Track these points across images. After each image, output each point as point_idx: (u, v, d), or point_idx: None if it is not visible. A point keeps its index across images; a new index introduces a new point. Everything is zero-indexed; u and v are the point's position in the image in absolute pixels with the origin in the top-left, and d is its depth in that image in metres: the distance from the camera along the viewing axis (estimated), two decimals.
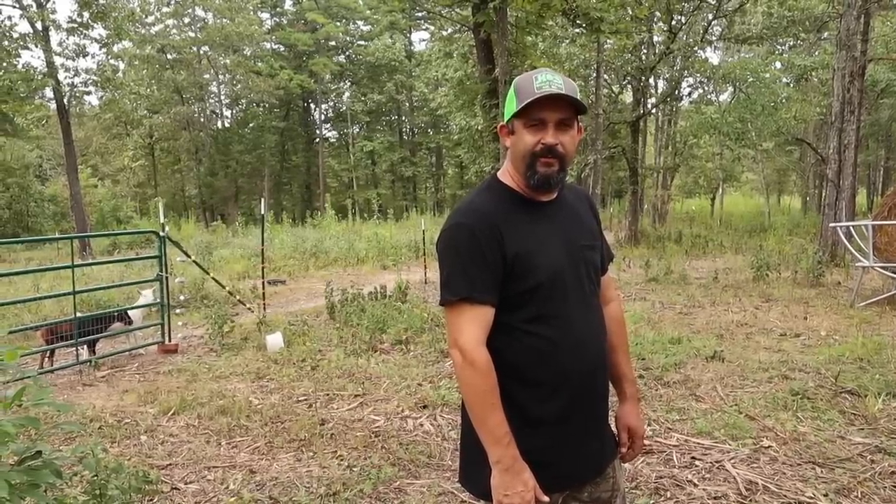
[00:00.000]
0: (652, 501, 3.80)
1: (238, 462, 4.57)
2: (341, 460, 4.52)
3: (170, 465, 4.57)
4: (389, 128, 50.30)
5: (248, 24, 40.18)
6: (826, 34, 26.67)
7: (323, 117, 49.84)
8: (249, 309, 9.74)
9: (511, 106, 1.92)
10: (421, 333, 8.06)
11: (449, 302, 1.84)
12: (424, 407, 5.56)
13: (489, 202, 1.93)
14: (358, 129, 49.12)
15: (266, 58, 43.28)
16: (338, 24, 45.10)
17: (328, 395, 5.99)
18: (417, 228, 16.95)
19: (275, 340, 7.91)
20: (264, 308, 9.74)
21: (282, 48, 45.65)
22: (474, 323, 1.82)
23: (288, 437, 4.96)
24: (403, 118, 50.64)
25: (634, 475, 4.14)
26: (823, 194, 18.41)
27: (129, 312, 8.22)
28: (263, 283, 10.39)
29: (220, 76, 43.64)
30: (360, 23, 47.67)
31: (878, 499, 3.80)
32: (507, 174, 1.99)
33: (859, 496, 3.83)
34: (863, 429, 4.86)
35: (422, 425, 5.17)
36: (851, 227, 11.50)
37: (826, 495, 3.83)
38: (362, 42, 46.72)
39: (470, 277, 1.82)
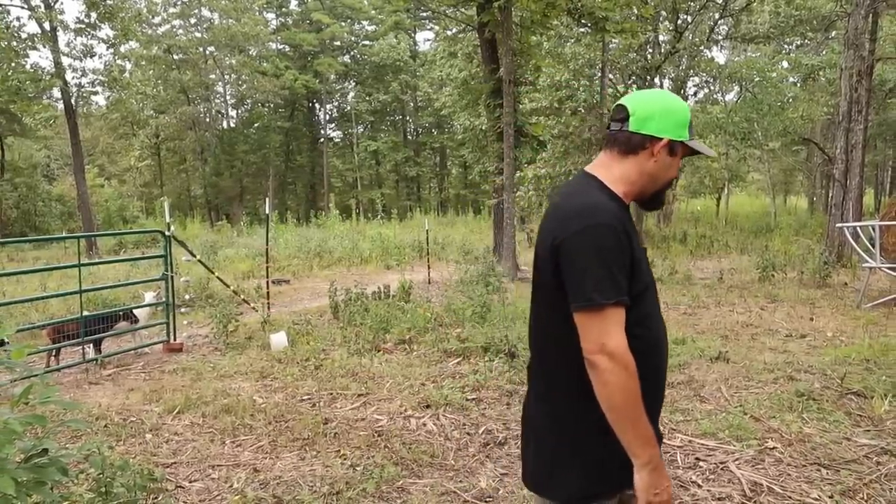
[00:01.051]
0: None
1: (242, 461, 4.59)
2: (344, 459, 4.53)
3: (174, 463, 4.59)
4: (394, 128, 50.31)
5: (253, 24, 40.24)
6: (833, 33, 26.54)
7: (327, 117, 49.94)
8: (254, 308, 9.76)
9: (682, 131, 1.96)
10: (424, 333, 8.06)
11: (600, 305, 1.78)
12: (427, 407, 5.56)
13: (614, 205, 1.93)
14: (362, 129, 49.14)
15: (271, 58, 43.32)
16: (342, 24, 45.13)
17: (331, 394, 6.00)
18: (421, 228, 16.96)
19: (279, 340, 7.92)
20: (268, 307, 9.76)
21: (287, 48, 45.69)
22: (619, 326, 1.80)
23: (291, 436, 4.98)
24: (408, 118, 50.63)
25: None
26: (830, 194, 18.34)
27: (135, 311, 8.25)
28: (268, 282, 10.41)
29: (225, 76, 43.70)
30: (364, 23, 47.69)
31: (884, 501, 3.79)
32: (616, 181, 1.98)
33: (865, 498, 3.83)
34: (869, 430, 4.84)
35: (425, 425, 5.18)
36: (858, 228, 11.48)
37: (831, 497, 3.82)
38: (367, 42, 46.72)
39: (617, 281, 1.80)
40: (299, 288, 13.71)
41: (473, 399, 5.72)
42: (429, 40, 52.23)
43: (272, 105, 44.97)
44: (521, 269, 14.72)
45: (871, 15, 16.13)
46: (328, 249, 18.77)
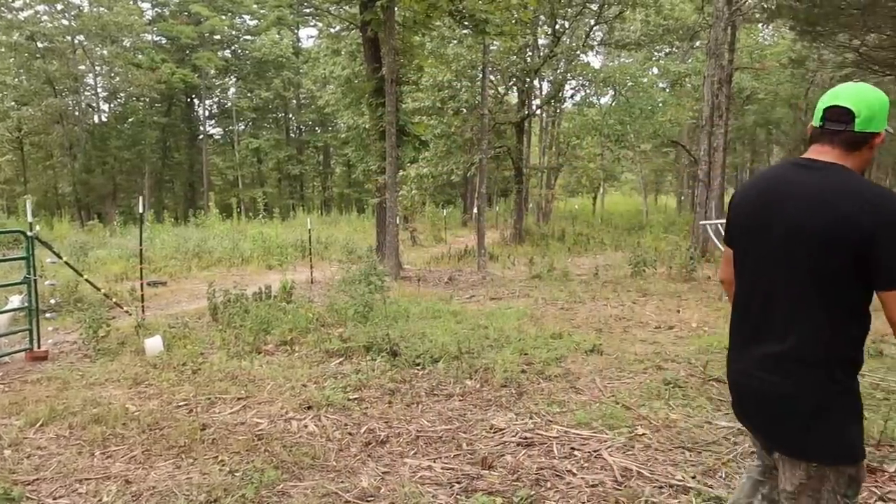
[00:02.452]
0: (533, 493, 3.90)
1: (113, 473, 4.38)
2: (223, 465, 4.41)
3: (36, 479, 4.32)
4: (276, 125, 49.33)
5: (126, 13, 38.34)
6: (698, 43, 28.15)
7: (207, 113, 48.31)
8: (127, 312, 9.33)
9: (886, 122, 2.21)
10: (306, 334, 7.96)
11: None
12: (309, 408, 5.50)
13: None
14: (243, 127, 47.92)
15: (147, 50, 41.47)
16: (223, 17, 43.79)
17: (210, 398, 5.83)
18: (304, 228, 16.72)
19: (154, 344, 7.61)
20: (143, 311, 9.35)
21: (163, 40, 43.90)
22: None
23: (167, 444, 4.79)
24: (290, 116, 49.76)
25: (516, 467, 4.26)
26: (696, 194, 19.43)
27: None
28: (142, 284, 9.98)
29: (96, 68, 41.43)
30: (246, 17, 46.50)
31: (740, 477, 4.06)
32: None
33: (723, 476, 4.09)
34: (728, 413, 5.16)
35: (306, 426, 5.12)
36: (720, 225, 12.20)
37: (694, 477, 4.06)
38: (248, 37, 45.60)
39: None
40: (176, 290, 13.21)
41: (356, 399, 5.70)
42: (312, 37, 51.65)
43: (148, 99, 43.04)
44: (405, 267, 14.79)
45: (729, 27, 17.21)
46: (207, 250, 18.18)
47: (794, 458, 2.17)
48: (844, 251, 2.02)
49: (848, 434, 2.13)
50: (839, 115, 2.16)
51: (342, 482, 4.15)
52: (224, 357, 7.16)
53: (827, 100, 2.22)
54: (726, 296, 2.41)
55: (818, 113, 2.23)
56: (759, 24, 28.29)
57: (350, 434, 4.95)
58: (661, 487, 3.95)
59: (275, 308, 9.08)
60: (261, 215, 28.98)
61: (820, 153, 2.20)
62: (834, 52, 20.03)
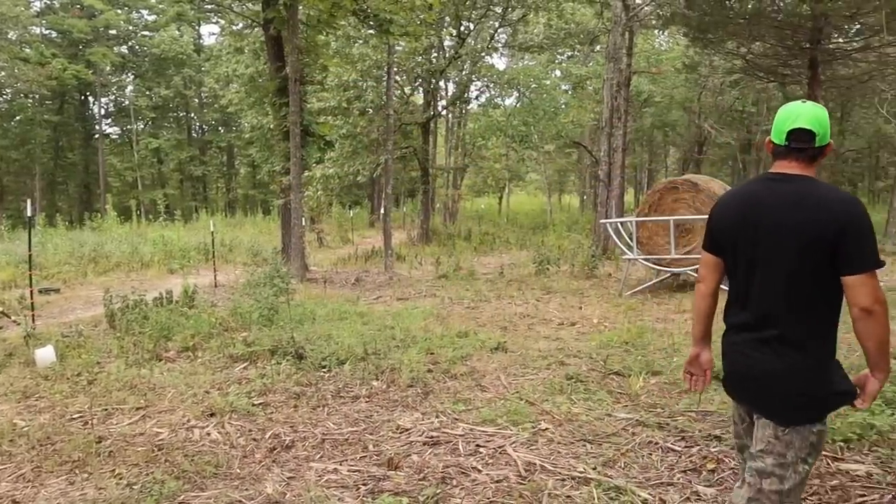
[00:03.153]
0: (439, 491, 3.93)
1: None
2: (120, 479, 4.24)
3: None
4: (177, 125, 47.79)
5: (11, 4, 36.28)
6: (598, 47, 28.99)
7: (103, 112, 46.22)
8: (15, 322, 8.85)
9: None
10: (209, 339, 7.75)
11: (878, 266, 2.42)
12: (212, 415, 5.36)
13: None
14: (143, 126, 46.15)
15: (35, 44, 39.34)
16: (119, 11, 42.04)
17: (107, 409, 5.60)
18: (207, 230, 16.29)
19: (45, 355, 7.24)
20: (33, 319, 8.90)
21: (54, 34, 41.76)
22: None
23: (59, 460, 4.57)
24: (192, 115, 48.29)
25: (422, 467, 4.28)
26: (597, 193, 19.99)
27: None
28: (32, 292, 9.50)
29: None
30: (144, 12, 44.74)
31: (638, 466, 4.22)
32: None
33: (623, 466, 4.23)
34: (627, 405, 5.36)
35: (209, 434, 4.99)
36: (619, 224, 12.62)
37: (595, 468, 4.18)
38: (146, 33, 43.90)
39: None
40: (71, 297, 12.62)
41: (260, 404, 5.60)
42: (214, 34, 50.25)
43: (37, 96, 40.87)
44: (311, 269, 14.62)
45: (627, 33, 17.81)
46: (105, 254, 17.44)
47: (769, 420, 2.56)
48: (822, 247, 2.41)
49: (821, 401, 2.55)
50: (802, 136, 2.56)
51: (246, 490, 4.07)
52: (122, 366, 6.89)
53: (789, 122, 2.58)
54: (696, 292, 2.95)
55: (781, 133, 2.59)
56: (655, 31, 29.39)
57: (255, 440, 4.87)
58: (563, 480, 4.05)
59: (176, 313, 8.80)
60: (162, 218, 28.02)
61: (787, 168, 2.60)
62: (724, 58, 21.00)
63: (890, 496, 3.73)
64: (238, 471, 4.35)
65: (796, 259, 2.47)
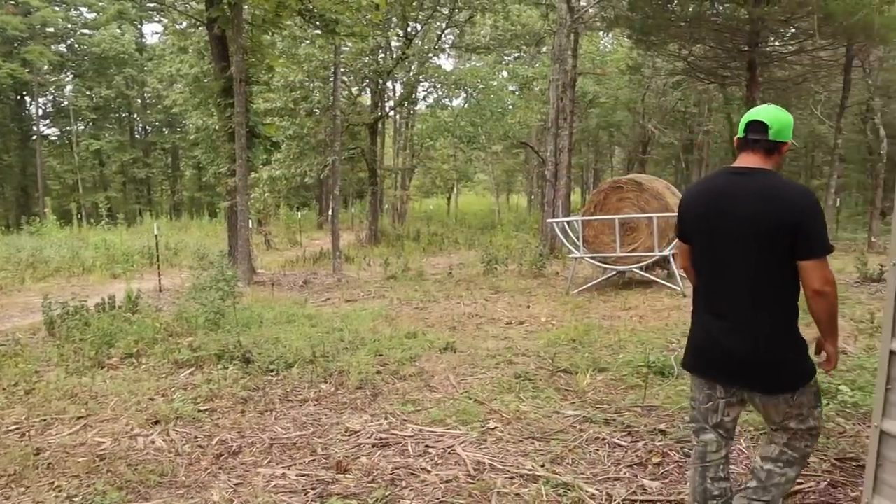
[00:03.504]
0: (388, 493, 3.92)
1: None
2: (60, 491, 4.12)
3: None
4: (119, 126, 46.58)
5: None
6: (544, 48, 29.28)
7: (41, 112, 44.79)
8: None
9: (791, 136, 2.94)
10: (153, 345, 7.59)
11: (829, 252, 2.71)
12: (157, 423, 5.25)
13: None
14: (83, 127, 44.84)
15: None
16: (56, 8, 40.80)
17: (45, 420, 5.44)
18: (151, 233, 15.94)
19: None
20: None
21: None
22: None
23: None
24: (135, 116, 47.13)
25: (371, 469, 4.27)
26: (544, 193, 20.19)
27: None
28: None
29: None
30: (83, 9, 43.47)
31: (585, 462, 4.28)
32: None
33: (570, 462, 4.29)
34: (574, 402, 5.43)
35: (153, 442, 4.89)
36: (566, 223, 12.77)
37: (543, 465, 4.23)
38: (86, 31, 42.68)
39: None
40: (7, 304, 12.23)
41: (206, 410, 5.51)
42: (157, 33, 49.18)
43: None
44: (258, 272, 14.45)
45: (572, 34, 18.02)
46: (44, 259, 16.92)
47: (773, 395, 2.88)
48: (781, 234, 2.68)
49: (803, 364, 2.88)
50: (757, 128, 2.86)
51: (192, 498, 4.01)
52: (62, 374, 6.70)
53: (748, 117, 2.90)
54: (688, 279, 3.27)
55: (742, 127, 2.91)
56: (600, 33, 29.84)
57: (200, 447, 4.79)
58: (512, 478, 4.08)
59: (119, 319, 8.59)
60: (104, 221, 27.32)
61: (747, 161, 2.88)
62: (666, 60, 21.45)
63: (826, 483, 3.86)
64: (183, 479, 4.28)
65: (757, 246, 2.75)
